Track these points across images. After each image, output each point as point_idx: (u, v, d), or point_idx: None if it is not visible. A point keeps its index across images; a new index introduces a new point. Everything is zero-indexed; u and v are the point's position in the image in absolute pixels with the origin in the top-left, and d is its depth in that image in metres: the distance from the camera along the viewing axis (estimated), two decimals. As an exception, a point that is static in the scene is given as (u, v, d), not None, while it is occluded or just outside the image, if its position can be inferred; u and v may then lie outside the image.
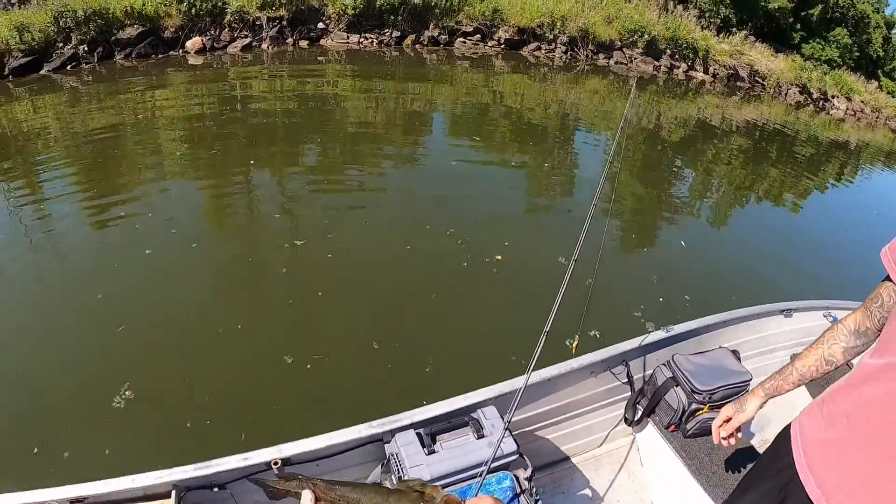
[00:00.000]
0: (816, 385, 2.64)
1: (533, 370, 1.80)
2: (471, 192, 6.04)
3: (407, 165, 6.86)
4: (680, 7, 18.83)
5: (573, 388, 2.21)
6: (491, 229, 5.23)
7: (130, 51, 10.07)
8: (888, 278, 1.20)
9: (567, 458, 2.47)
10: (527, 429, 2.19)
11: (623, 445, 2.58)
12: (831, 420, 1.20)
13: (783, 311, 2.78)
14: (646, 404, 2.38)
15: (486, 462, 1.68)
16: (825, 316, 2.97)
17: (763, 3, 23.01)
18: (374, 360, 3.50)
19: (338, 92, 9.20)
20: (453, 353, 3.62)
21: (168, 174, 6.01)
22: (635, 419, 2.41)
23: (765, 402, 1.44)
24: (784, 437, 1.37)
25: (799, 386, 1.39)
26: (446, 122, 8.77)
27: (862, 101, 26.22)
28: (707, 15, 20.39)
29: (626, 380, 2.34)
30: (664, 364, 2.34)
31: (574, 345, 2.12)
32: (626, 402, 2.45)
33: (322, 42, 12.20)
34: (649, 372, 2.41)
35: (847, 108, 24.76)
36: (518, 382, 1.92)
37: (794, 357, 1.43)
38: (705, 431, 2.31)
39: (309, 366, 3.42)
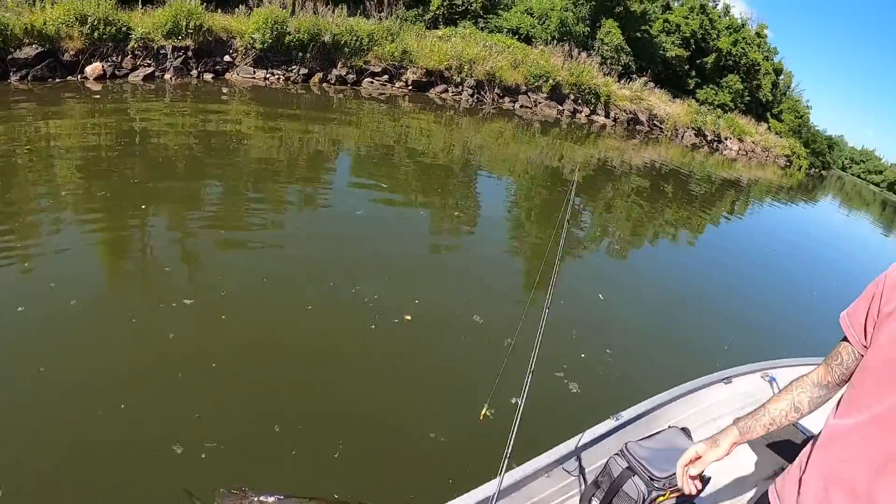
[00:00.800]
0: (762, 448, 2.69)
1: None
2: (376, 241, 5.67)
3: (310, 211, 6.39)
4: (584, 54, 19.86)
5: (523, 492, 1.94)
6: (398, 284, 4.82)
7: (27, 72, 9.15)
8: (846, 339, 1.29)
9: None
10: None
11: None
12: (808, 484, 1.24)
13: (723, 379, 2.82)
14: (602, 496, 2.09)
15: None
16: (763, 377, 2.98)
17: (661, 52, 24.89)
18: (276, 446, 2.99)
19: (241, 129, 8.66)
20: (364, 436, 3.15)
21: (52, 216, 5.19)
22: None
23: (738, 443, 1.40)
24: (762, 502, 1.40)
25: (769, 430, 1.39)
26: (352, 165, 8.46)
27: (753, 142, 28.89)
28: (609, 62, 21.70)
29: (579, 474, 2.07)
30: (618, 454, 2.11)
31: (483, 413, 1.88)
32: (578, 497, 2.15)
33: (227, 76, 11.66)
34: (601, 462, 2.18)
35: (739, 149, 27.09)
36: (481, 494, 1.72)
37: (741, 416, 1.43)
38: None
39: (203, 455, 2.86)
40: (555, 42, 19.66)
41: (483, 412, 1.94)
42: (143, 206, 5.50)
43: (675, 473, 2.06)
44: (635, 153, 16.42)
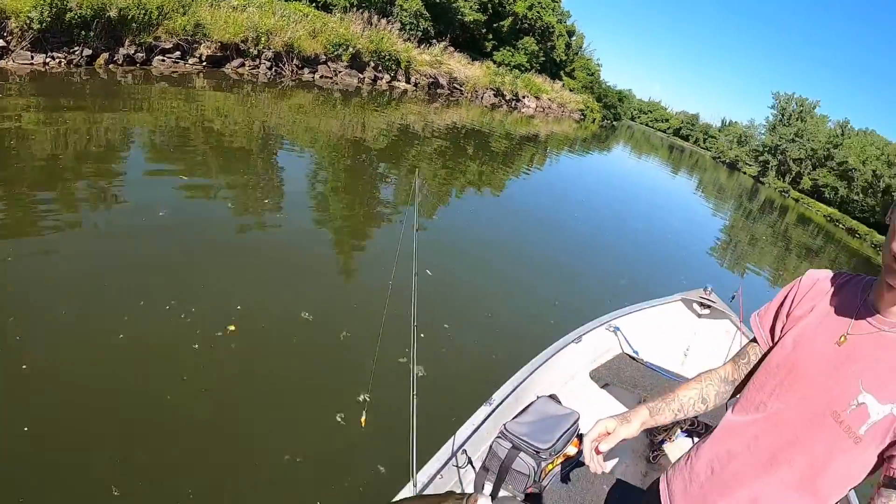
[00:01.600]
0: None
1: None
2: (184, 242, 4.99)
3: (106, 216, 5.31)
4: (383, 21, 19.74)
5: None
6: (215, 288, 4.28)
7: None
8: (755, 339, 1.33)
9: None
10: None
11: None
12: (697, 473, 1.27)
13: (574, 339, 3.06)
14: (494, 479, 2.23)
15: None
16: (608, 329, 3.31)
17: (459, 17, 25.64)
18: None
19: (20, 126, 7.16)
20: (217, 482, 2.78)
21: None
22: (489, 495, 2.24)
23: (647, 424, 1.33)
24: (653, 491, 1.43)
25: (677, 417, 1.36)
26: (147, 155, 7.38)
27: (549, 99, 31.40)
28: (408, 28, 21.84)
29: (467, 464, 2.18)
30: (499, 436, 2.26)
31: (363, 419, 1.89)
32: (472, 482, 2.26)
33: (3, 63, 9.51)
34: (485, 448, 2.32)
35: (536, 106, 29.27)
36: None
37: (652, 398, 1.42)
38: (562, 479, 2.33)
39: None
40: (354, 9, 19.25)
41: (363, 419, 1.91)
42: None
43: (558, 440, 2.28)
44: (437, 116, 16.87)
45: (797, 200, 39.28)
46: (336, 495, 2.71)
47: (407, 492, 1.82)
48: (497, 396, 2.40)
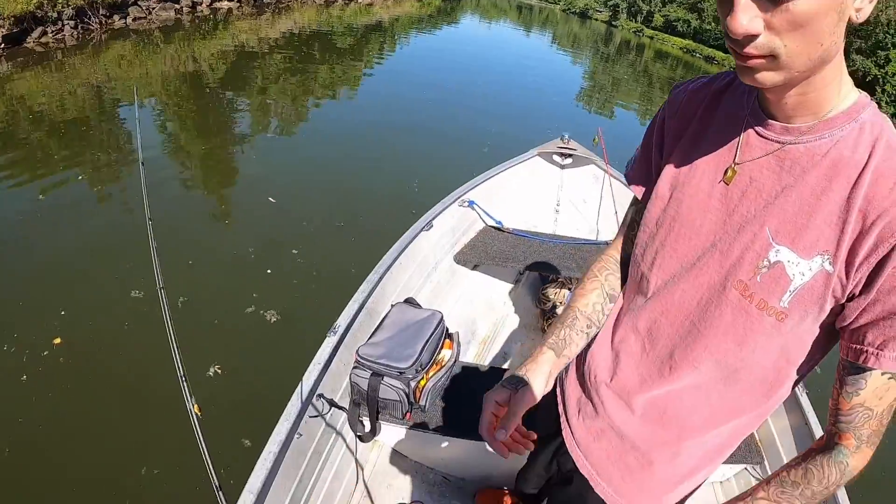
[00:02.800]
0: None
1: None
2: (8, 242, 4.21)
3: None
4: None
5: (289, 466, 1.62)
6: (38, 297, 3.58)
7: None
8: (635, 201, 1.00)
9: None
10: None
11: (378, 456, 2.17)
12: (592, 381, 1.01)
13: (423, 226, 2.65)
14: (367, 413, 1.91)
15: None
16: (461, 205, 2.95)
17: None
18: None
19: None
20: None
21: None
22: (368, 432, 1.94)
23: (557, 369, 0.94)
24: (548, 402, 1.11)
25: (590, 334, 1.00)
26: None
27: None
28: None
29: (330, 409, 1.82)
30: (355, 367, 1.89)
31: (196, 408, 1.51)
32: (345, 426, 1.94)
33: None
34: (345, 383, 1.97)
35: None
36: None
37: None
38: (444, 391, 2.06)
39: None
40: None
41: (196, 407, 1.50)
42: None
43: (421, 352, 1.96)
44: (271, 28, 15.36)
45: (652, 38, 40.28)
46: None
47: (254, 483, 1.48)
48: (342, 321, 2.01)
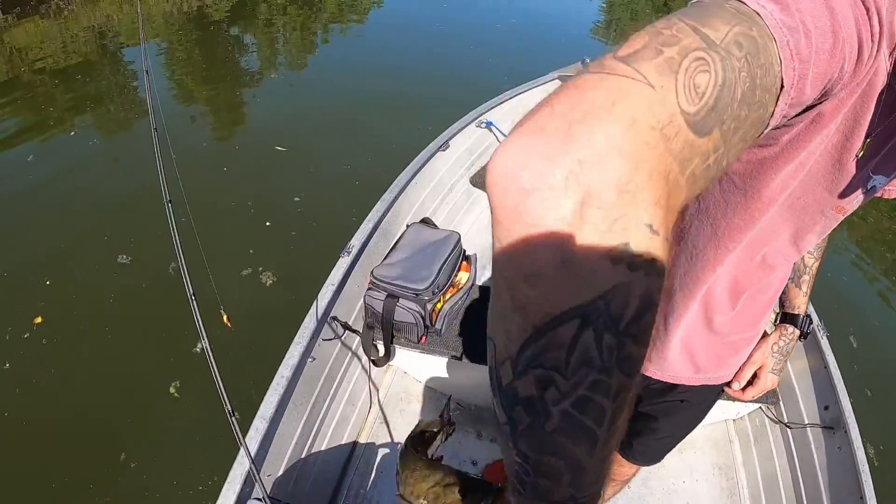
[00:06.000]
0: None
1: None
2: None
3: None
4: None
5: (302, 392, 1.60)
6: (23, 273, 3.29)
7: None
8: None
9: (355, 444, 1.93)
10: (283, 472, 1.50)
11: (393, 381, 2.15)
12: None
13: (440, 146, 2.56)
14: (382, 336, 1.86)
15: None
16: (479, 126, 2.83)
17: None
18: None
19: None
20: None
21: None
22: (382, 356, 1.91)
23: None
24: None
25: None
26: None
27: None
28: None
29: (343, 332, 1.77)
30: (370, 289, 1.83)
31: (226, 318, 1.51)
32: (360, 350, 1.89)
33: None
34: (359, 305, 1.91)
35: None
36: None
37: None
38: (461, 315, 1.97)
39: None
40: None
41: (226, 316, 1.48)
42: None
43: (438, 273, 1.89)
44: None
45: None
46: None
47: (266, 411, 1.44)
48: (356, 241, 1.94)
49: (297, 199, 3.87)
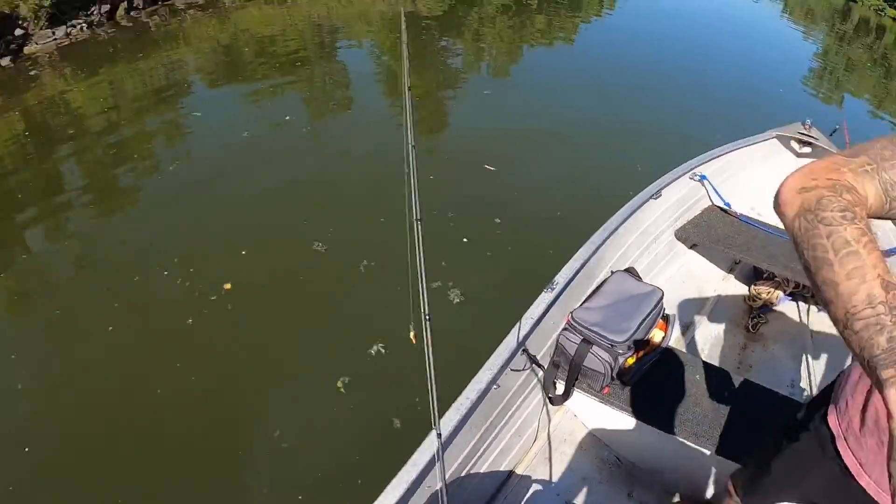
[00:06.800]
0: None
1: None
2: (229, 174, 4.43)
3: (177, 165, 4.80)
4: None
5: (480, 414, 1.63)
6: (224, 239, 3.59)
7: None
8: None
9: (511, 473, 1.93)
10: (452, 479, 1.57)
11: (560, 422, 2.13)
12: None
13: (652, 195, 2.51)
14: (565, 377, 1.84)
15: None
16: (692, 178, 2.74)
17: None
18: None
19: (69, 105, 6.79)
20: (269, 451, 2.49)
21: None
22: (560, 395, 1.90)
23: None
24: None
25: None
26: (203, 89, 6.82)
27: None
28: None
29: (531, 365, 1.78)
30: (566, 328, 1.82)
31: (413, 336, 1.59)
32: (539, 385, 1.89)
33: (27, 50, 9.24)
34: (551, 341, 1.90)
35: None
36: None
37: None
38: (647, 374, 1.90)
39: None
40: None
41: (413, 334, 1.56)
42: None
43: (637, 328, 1.84)
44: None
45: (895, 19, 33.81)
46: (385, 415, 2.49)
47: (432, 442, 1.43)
48: (560, 278, 1.93)
49: (497, 220, 3.84)
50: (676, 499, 1.95)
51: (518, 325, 1.76)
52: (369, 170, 4.43)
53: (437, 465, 1.23)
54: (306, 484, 2.31)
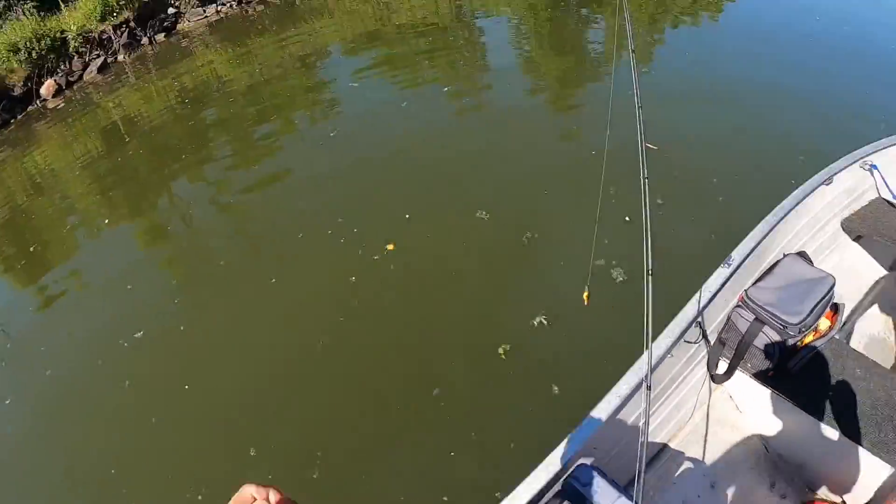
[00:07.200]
0: None
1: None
2: (387, 135, 4.71)
3: (337, 132, 5.13)
4: None
5: (656, 379, 1.71)
6: (390, 202, 3.79)
7: (-17, 125, 8.14)
8: None
9: (665, 446, 2.00)
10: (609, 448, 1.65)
11: (716, 402, 2.16)
12: None
13: (823, 181, 2.41)
14: (731, 355, 1.89)
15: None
16: (863, 167, 2.63)
17: None
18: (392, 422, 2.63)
19: (216, 72, 7.50)
20: (458, 387, 2.69)
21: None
22: (722, 374, 1.94)
23: None
24: None
25: None
26: (345, 58, 7.25)
27: None
28: None
29: (702, 339, 1.84)
30: (739, 305, 1.85)
31: (586, 296, 1.59)
32: (705, 360, 1.94)
33: (180, 27, 10.32)
34: (722, 317, 1.93)
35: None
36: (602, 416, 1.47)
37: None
38: (810, 362, 1.88)
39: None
40: None
41: (586, 294, 1.66)
42: (167, 197, 4.91)
43: (810, 313, 1.83)
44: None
45: None
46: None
47: (641, 364, 1.55)
48: (736, 255, 1.95)
49: (659, 201, 3.71)
50: (819, 495, 1.93)
51: (698, 296, 1.80)
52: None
53: (642, 418, 1.29)
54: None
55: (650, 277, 1.28)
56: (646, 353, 1.23)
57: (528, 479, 1.36)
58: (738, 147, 4.34)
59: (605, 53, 6.29)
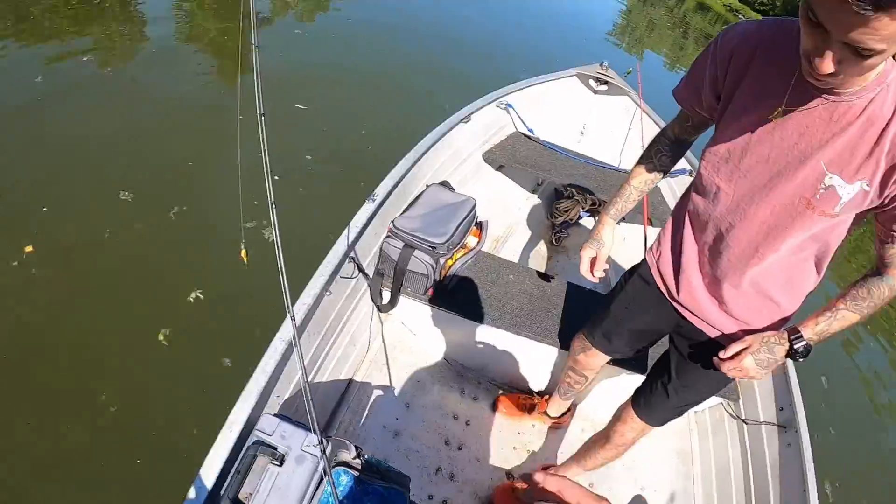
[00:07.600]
0: None
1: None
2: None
3: None
4: None
5: (315, 323, 1.70)
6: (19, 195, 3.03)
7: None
8: (679, 115, 1.32)
9: (351, 381, 2.04)
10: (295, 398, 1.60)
11: (390, 331, 2.26)
12: (689, 262, 1.26)
13: (462, 119, 2.70)
14: (391, 284, 1.97)
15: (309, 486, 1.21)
16: (499, 106, 2.97)
17: None
18: None
19: None
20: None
21: None
22: (387, 303, 2.03)
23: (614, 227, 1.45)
24: (640, 275, 1.44)
25: (639, 200, 1.43)
26: None
27: None
28: None
29: (358, 273, 1.87)
30: (388, 236, 1.94)
31: (244, 254, 1.56)
32: (367, 294, 1.99)
33: None
34: (375, 250, 2.01)
35: None
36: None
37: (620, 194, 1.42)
38: (465, 276, 2.10)
39: None
40: None
41: (243, 252, 1.55)
42: None
43: (454, 232, 2.01)
44: None
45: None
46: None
47: (287, 327, 1.50)
48: (380, 191, 2.04)
49: (308, 157, 3.83)
50: (507, 389, 2.19)
51: (345, 232, 1.83)
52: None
53: (300, 372, 1.24)
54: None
55: (273, 207, 1.22)
56: (284, 282, 1.18)
57: (214, 447, 1.26)
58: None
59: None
